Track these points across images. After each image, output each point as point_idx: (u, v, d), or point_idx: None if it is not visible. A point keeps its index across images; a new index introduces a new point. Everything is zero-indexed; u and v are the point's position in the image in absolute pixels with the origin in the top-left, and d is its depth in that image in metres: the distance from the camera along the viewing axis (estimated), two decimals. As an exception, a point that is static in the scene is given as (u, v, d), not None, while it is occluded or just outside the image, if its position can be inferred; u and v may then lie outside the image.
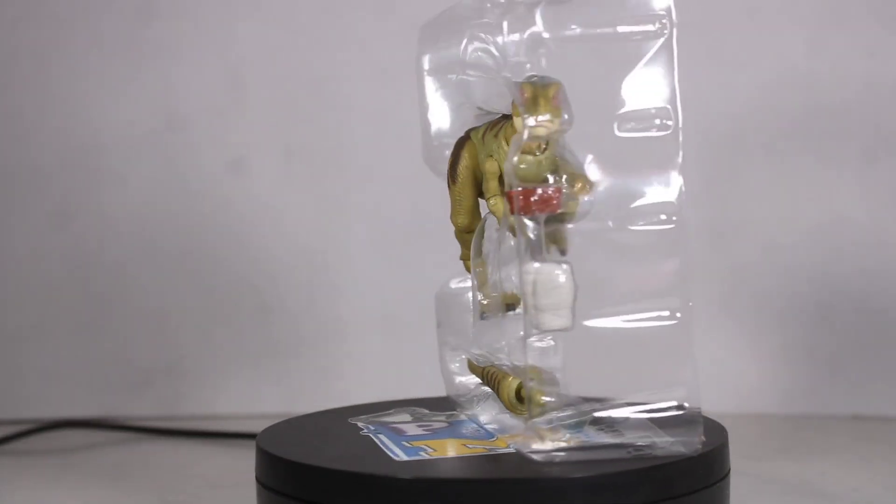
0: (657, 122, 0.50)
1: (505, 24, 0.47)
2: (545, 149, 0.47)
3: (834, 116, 0.79)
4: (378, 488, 0.45)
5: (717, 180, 0.80)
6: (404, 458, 0.48)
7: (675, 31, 0.49)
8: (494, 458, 0.48)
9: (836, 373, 0.79)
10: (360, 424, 0.54)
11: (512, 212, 0.46)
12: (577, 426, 0.48)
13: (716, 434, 0.50)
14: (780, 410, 0.79)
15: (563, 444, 0.47)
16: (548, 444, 0.47)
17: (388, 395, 0.61)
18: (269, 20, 0.84)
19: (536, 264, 0.46)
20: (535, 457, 0.46)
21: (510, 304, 0.51)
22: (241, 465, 0.62)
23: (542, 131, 0.46)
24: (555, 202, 0.46)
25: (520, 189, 0.46)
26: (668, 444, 0.46)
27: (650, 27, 0.48)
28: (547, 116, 0.46)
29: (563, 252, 0.49)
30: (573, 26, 0.49)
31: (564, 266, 0.47)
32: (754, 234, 0.80)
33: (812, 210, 0.80)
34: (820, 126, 0.79)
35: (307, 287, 0.84)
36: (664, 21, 0.48)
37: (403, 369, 0.82)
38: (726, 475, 0.49)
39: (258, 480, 0.50)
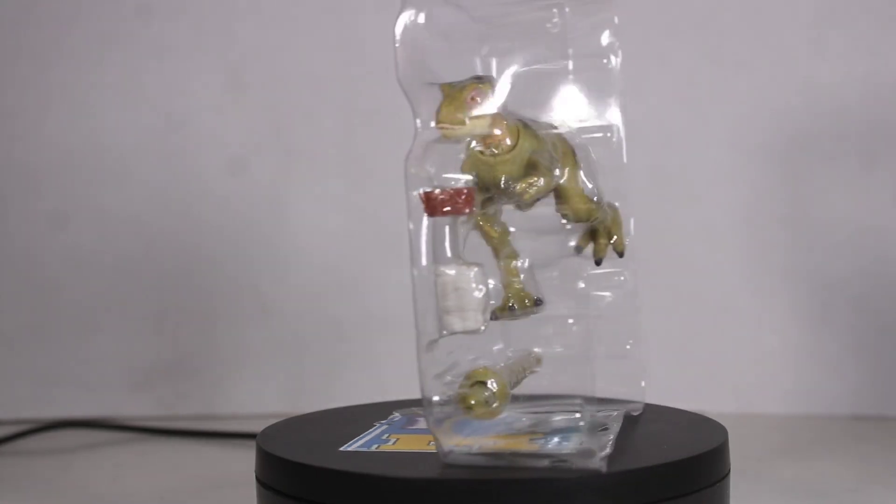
0: (605, 135, 0.51)
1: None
2: (509, 149, 0.47)
3: (834, 116, 0.79)
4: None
5: (718, 180, 0.80)
6: (351, 449, 0.49)
7: (619, 63, 0.51)
8: (426, 456, 0.48)
9: (836, 373, 0.79)
10: (396, 413, 0.56)
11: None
12: (568, 431, 0.48)
13: (716, 434, 0.50)
14: (780, 410, 0.79)
15: (474, 447, 0.46)
16: (460, 444, 0.46)
17: (388, 396, 0.61)
18: (268, 20, 0.84)
19: (441, 266, 0.46)
20: (442, 457, 0.46)
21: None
22: (241, 465, 0.62)
23: (447, 132, 0.46)
24: (458, 204, 0.46)
25: (424, 191, 0.46)
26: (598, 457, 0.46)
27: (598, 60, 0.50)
28: (446, 119, 0.46)
29: (619, 254, 0.51)
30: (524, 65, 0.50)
31: (474, 269, 0.46)
32: (754, 234, 0.80)
33: (811, 210, 0.80)
34: (820, 126, 0.79)
35: (307, 287, 0.84)
36: (609, 57, 0.50)
37: (404, 369, 0.82)
38: (726, 475, 0.49)
39: (258, 480, 0.50)
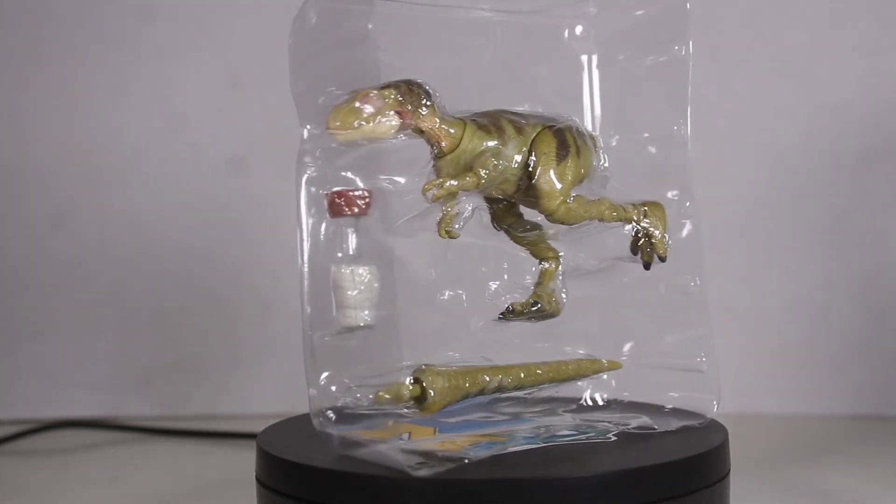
0: (673, 129, 0.50)
1: None
2: (450, 149, 0.48)
3: (834, 116, 0.79)
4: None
5: (717, 180, 0.80)
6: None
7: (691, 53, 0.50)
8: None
9: (836, 373, 0.79)
10: None
11: None
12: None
13: (716, 434, 0.50)
14: (780, 410, 0.79)
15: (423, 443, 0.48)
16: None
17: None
18: (268, 20, 0.84)
19: (331, 265, 0.48)
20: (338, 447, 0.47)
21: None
22: (241, 465, 0.62)
23: (338, 137, 0.48)
24: (342, 207, 0.48)
25: (328, 192, 0.48)
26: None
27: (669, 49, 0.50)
28: (331, 124, 0.48)
29: (660, 258, 0.51)
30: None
31: (359, 269, 0.48)
32: (754, 234, 0.80)
33: (811, 209, 0.80)
34: (820, 126, 0.79)
35: (307, 287, 0.84)
36: (681, 46, 0.50)
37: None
38: (726, 475, 0.49)
39: (258, 480, 0.50)
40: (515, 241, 0.52)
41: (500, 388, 0.51)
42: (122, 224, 0.84)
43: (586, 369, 0.54)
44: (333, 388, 0.47)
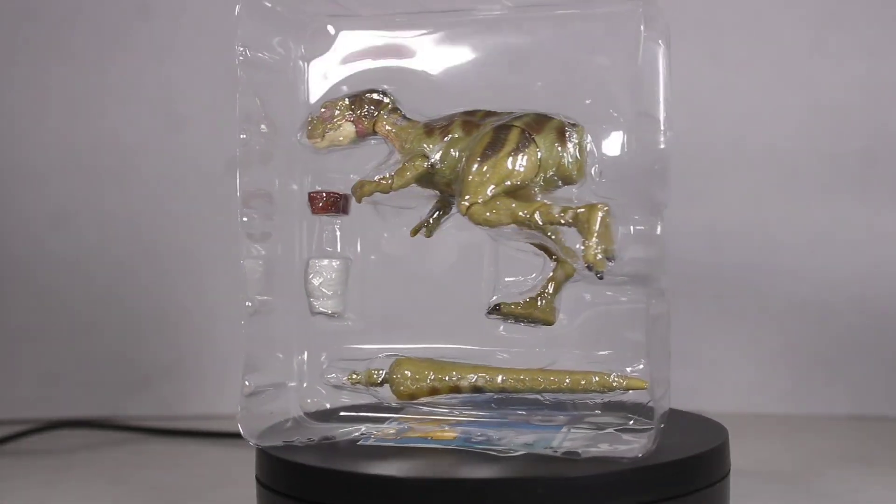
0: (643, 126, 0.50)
1: None
2: (401, 152, 0.51)
3: (834, 116, 0.79)
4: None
5: (718, 180, 0.80)
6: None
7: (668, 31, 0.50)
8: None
9: (836, 373, 0.79)
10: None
11: None
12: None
13: (716, 434, 0.50)
14: (780, 410, 0.79)
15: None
16: None
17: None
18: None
19: (308, 258, 0.55)
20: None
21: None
22: (241, 465, 0.62)
23: (313, 146, 0.53)
24: (321, 205, 0.53)
25: (309, 192, 0.54)
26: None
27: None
28: (306, 135, 0.53)
29: (589, 268, 0.46)
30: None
31: (319, 262, 0.54)
32: (754, 234, 0.80)
33: (812, 210, 0.80)
34: (820, 126, 0.79)
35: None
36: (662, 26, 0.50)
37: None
38: (726, 475, 0.49)
39: (258, 480, 0.50)
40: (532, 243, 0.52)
41: (477, 389, 0.51)
42: (122, 224, 0.84)
43: (590, 385, 0.50)
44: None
